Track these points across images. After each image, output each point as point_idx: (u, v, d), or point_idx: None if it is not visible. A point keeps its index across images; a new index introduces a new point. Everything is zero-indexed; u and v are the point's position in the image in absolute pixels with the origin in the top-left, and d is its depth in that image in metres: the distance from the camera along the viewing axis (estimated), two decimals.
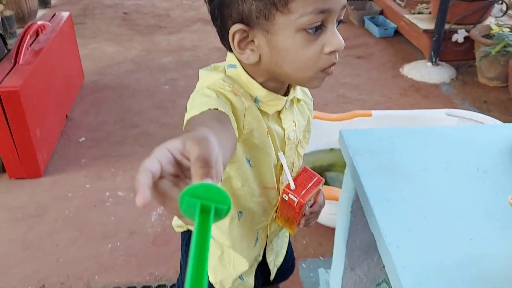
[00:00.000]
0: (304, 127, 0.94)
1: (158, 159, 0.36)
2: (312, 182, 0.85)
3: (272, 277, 1.05)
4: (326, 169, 2.28)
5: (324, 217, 1.86)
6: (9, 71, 2.21)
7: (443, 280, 0.80)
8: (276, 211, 0.90)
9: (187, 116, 0.66)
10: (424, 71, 3.53)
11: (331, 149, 2.34)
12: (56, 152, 2.52)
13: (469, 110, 2.54)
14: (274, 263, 1.05)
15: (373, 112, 2.29)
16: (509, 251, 0.85)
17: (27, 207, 2.09)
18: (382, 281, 1.47)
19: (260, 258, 1.01)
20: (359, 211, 1.30)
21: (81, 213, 2.06)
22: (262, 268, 1.01)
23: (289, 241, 1.15)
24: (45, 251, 1.84)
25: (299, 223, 0.90)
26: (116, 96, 3.19)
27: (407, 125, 2.24)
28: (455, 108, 2.71)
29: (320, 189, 0.89)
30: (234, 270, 0.93)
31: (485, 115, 2.25)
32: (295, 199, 0.82)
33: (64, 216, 2.04)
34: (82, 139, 2.66)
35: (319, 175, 0.88)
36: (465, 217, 0.94)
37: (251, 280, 0.98)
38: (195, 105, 0.67)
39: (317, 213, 0.94)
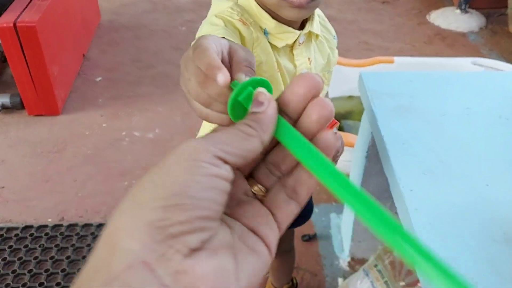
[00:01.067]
0: (322, 66, 0.90)
1: (218, 45, 0.30)
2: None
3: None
4: (344, 116, 2.26)
5: (340, 164, 1.86)
6: (26, 7, 2.19)
7: (454, 223, 0.80)
8: None
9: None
10: (452, 19, 3.37)
11: (350, 97, 2.30)
12: (74, 91, 2.53)
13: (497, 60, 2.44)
14: None
15: (396, 58, 2.22)
16: None
17: (46, 142, 2.14)
18: None
19: None
20: (374, 156, 1.29)
21: (98, 150, 2.10)
22: None
23: None
24: (65, 185, 1.89)
25: None
26: (132, 36, 3.15)
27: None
28: (483, 58, 2.61)
29: (335, 132, 0.86)
30: None
31: None
32: None
33: (82, 152, 2.08)
34: (99, 78, 2.66)
35: (333, 118, 0.85)
36: (483, 163, 0.93)
37: None
38: (203, 33, 0.66)
39: (335, 158, 0.91)
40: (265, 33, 0.76)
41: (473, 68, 2.12)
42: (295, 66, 0.82)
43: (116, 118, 2.32)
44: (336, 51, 0.98)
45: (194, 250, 0.21)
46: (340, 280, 1.48)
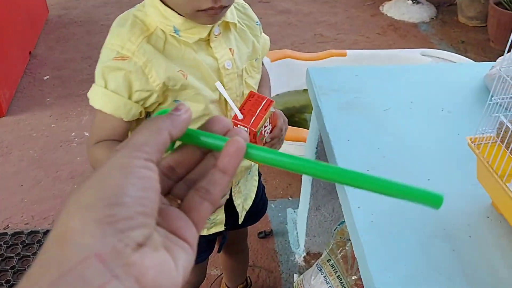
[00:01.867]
0: (248, 54, 0.85)
1: None
2: (261, 107, 0.77)
3: (240, 220, 1.03)
4: (299, 110, 2.25)
5: None
6: None
7: (396, 221, 0.80)
8: None
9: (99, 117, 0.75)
10: (404, 10, 3.43)
11: (305, 90, 2.29)
12: (19, 91, 2.41)
13: (446, 50, 2.49)
14: (243, 206, 1.01)
15: (348, 51, 2.23)
16: (464, 192, 0.85)
17: None
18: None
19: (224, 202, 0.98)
20: (323, 152, 1.28)
21: (46, 153, 2.01)
22: (229, 211, 0.98)
23: (260, 183, 1.11)
24: (10, 191, 1.80)
25: None
26: (83, 32, 3.03)
27: (380, 65, 2.21)
28: (433, 48, 2.66)
29: (273, 112, 0.81)
30: None
31: (460, 55, 2.22)
32: (245, 129, 0.76)
33: (28, 156, 1.98)
34: (47, 77, 2.54)
35: (268, 97, 0.80)
36: (425, 157, 0.93)
37: (221, 215, 0.95)
38: (103, 101, 0.73)
39: (280, 137, 0.87)
40: (176, 31, 0.73)
41: (422, 59, 2.15)
42: (215, 59, 0.78)
43: (65, 118, 2.23)
44: (264, 37, 0.93)
45: (139, 245, 0.23)
46: (295, 276, 1.48)
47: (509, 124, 0.74)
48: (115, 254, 0.22)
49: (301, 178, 1.53)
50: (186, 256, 0.26)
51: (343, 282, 1.24)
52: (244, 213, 1.04)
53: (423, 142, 0.97)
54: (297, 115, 2.21)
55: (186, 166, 0.31)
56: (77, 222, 0.23)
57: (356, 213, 0.81)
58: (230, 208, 0.99)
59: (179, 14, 0.73)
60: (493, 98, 0.73)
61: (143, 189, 0.24)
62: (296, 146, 1.66)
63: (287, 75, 2.17)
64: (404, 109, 1.08)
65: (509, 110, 0.77)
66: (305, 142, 1.53)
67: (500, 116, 0.76)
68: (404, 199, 0.29)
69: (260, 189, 1.12)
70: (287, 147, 1.78)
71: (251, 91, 0.80)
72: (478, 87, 1.17)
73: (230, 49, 0.79)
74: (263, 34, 0.93)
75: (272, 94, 2.27)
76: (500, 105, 0.76)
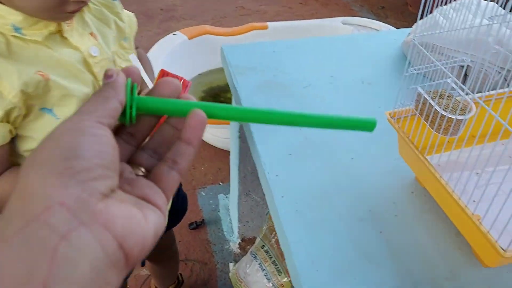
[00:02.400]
0: (114, 35, 0.76)
1: None
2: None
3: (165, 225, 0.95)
4: (224, 89, 2.17)
5: (221, 142, 1.79)
6: None
7: (321, 207, 0.76)
8: None
9: None
10: None
11: None
12: None
13: (367, 17, 2.51)
14: None
15: (269, 24, 2.17)
16: (388, 168, 0.82)
17: None
18: None
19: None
20: (246, 137, 1.22)
21: None
22: None
23: None
24: None
25: None
26: None
27: (302, 37, 2.17)
28: (354, 15, 2.67)
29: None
30: None
31: (381, 21, 2.23)
32: None
33: None
34: None
35: (183, 77, 0.72)
36: (347, 135, 0.90)
37: None
38: None
39: None
40: (16, 29, 0.62)
41: (344, 28, 2.14)
42: (77, 49, 0.68)
43: None
44: (126, 13, 0.84)
45: (105, 196, 0.23)
46: (231, 265, 1.43)
47: (427, 96, 0.71)
48: (80, 202, 0.22)
49: (227, 166, 1.47)
50: (156, 216, 0.26)
51: (278, 267, 1.21)
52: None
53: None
54: (222, 95, 2.13)
55: (144, 132, 0.32)
56: (35, 176, 0.23)
57: (280, 203, 0.76)
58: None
59: (17, 10, 0.61)
60: (409, 69, 0.70)
61: (98, 144, 0.25)
62: (220, 130, 1.59)
63: (208, 52, 2.08)
64: (325, 84, 1.04)
65: (430, 79, 0.75)
66: (229, 124, 1.47)
67: (418, 87, 0.73)
68: (342, 129, 0.33)
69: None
70: (212, 130, 1.71)
71: (162, 69, 0.72)
72: (396, 55, 1.15)
73: (91, 33, 0.69)
74: (125, 10, 0.83)
75: (194, 74, 2.18)
76: (423, 75, 0.73)
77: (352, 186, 0.79)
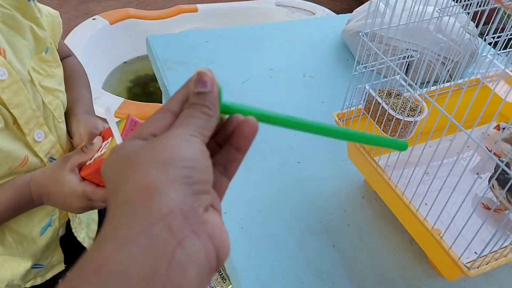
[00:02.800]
0: (30, 48, 0.60)
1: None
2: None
3: None
4: (153, 78, 2.03)
5: None
6: None
7: (269, 222, 0.69)
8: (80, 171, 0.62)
9: None
10: None
11: None
12: None
13: None
14: (88, 236, 0.79)
15: (199, 6, 2.05)
16: (337, 171, 0.77)
17: None
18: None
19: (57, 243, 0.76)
20: None
21: None
22: (69, 246, 0.76)
23: None
24: None
25: None
26: None
27: (235, 20, 2.08)
28: None
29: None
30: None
31: (315, 3, 2.19)
32: None
33: None
34: None
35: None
36: (291, 135, 0.83)
37: (57, 255, 0.72)
38: None
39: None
40: None
41: (278, 10, 2.08)
42: None
43: None
44: (49, 13, 0.67)
45: (207, 208, 0.25)
46: None
47: (378, 98, 0.66)
48: (193, 211, 0.24)
49: None
50: (220, 219, 0.27)
51: (222, 273, 1.14)
52: (91, 241, 0.82)
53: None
54: (151, 84, 2.00)
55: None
56: (160, 176, 0.24)
57: (224, 220, 0.68)
58: (69, 242, 0.77)
59: None
60: (358, 68, 0.64)
61: (207, 159, 0.26)
62: None
63: (133, 38, 1.92)
64: (264, 78, 0.96)
65: (381, 75, 0.70)
66: None
67: (366, 86, 0.68)
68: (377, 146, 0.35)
69: None
70: None
71: (130, 116, 0.57)
72: (337, 44, 1.10)
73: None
74: (45, 8, 0.67)
75: (119, 62, 2.01)
76: (374, 71, 0.68)
77: (301, 194, 0.73)
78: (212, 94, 0.28)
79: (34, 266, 0.68)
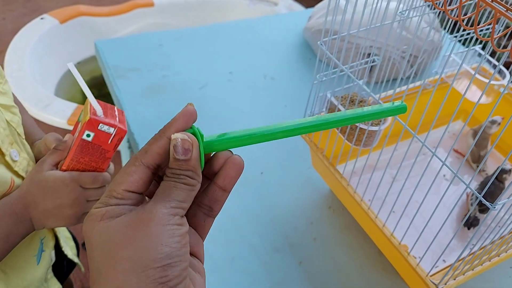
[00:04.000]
0: None
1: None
2: (116, 110, 0.55)
3: (83, 268, 0.79)
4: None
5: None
6: None
7: (231, 240, 0.67)
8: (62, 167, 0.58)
9: None
10: None
11: None
12: None
13: None
14: (72, 251, 0.76)
15: (155, 0, 1.99)
16: (302, 181, 0.76)
17: None
18: None
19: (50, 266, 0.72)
20: None
21: None
22: (58, 267, 0.72)
23: None
24: None
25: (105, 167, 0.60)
26: None
27: (194, 14, 2.03)
28: None
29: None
30: None
31: None
32: (111, 129, 0.53)
33: None
34: None
35: (115, 107, 0.58)
36: (253, 148, 0.81)
37: (54, 285, 0.70)
38: None
39: (112, 171, 0.66)
40: None
41: (239, 2, 2.04)
42: None
43: None
44: None
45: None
46: None
47: (340, 106, 0.65)
48: None
49: None
50: (201, 280, 0.30)
51: None
52: (76, 258, 0.79)
53: (248, 122, 0.85)
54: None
55: None
56: (134, 280, 0.26)
57: None
58: (59, 264, 0.75)
59: None
60: (317, 76, 0.62)
61: (183, 245, 0.27)
62: None
63: (86, 37, 1.85)
64: (223, 83, 0.94)
65: (346, 77, 0.68)
66: None
67: (328, 94, 0.67)
68: (375, 118, 0.34)
69: None
70: None
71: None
72: (299, 42, 1.09)
73: None
74: None
75: (66, 69, 1.93)
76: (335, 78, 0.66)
77: (264, 208, 0.72)
78: (194, 160, 0.28)
79: None
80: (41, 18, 1.79)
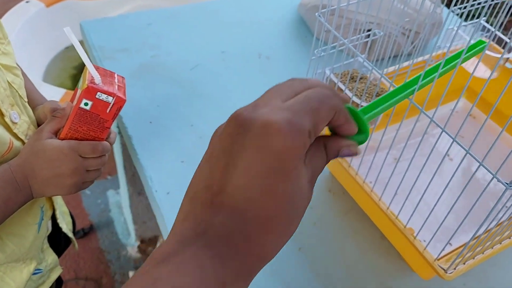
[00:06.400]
0: None
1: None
2: (116, 78, 0.53)
3: (77, 246, 0.78)
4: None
5: None
6: None
7: None
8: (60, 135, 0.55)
9: None
10: None
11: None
12: None
13: None
14: (68, 228, 0.75)
15: None
16: None
17: None
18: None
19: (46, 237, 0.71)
20: None
21: None
22: (55, 243, 0.71)
23: None
24: None
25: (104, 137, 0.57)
26: None
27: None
28: None
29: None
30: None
31: None
32: (109, 98, 0.50)
33: None
34: None
35: (114, 73, 0.55)
36: None
37: (50, 256, 0.70)
38: None
39: (113, 140, 0.62)
40: None
41: None
42: None
43: None
44: None
45: None
46: (131, 273, 1.29)
47: (340, 84, 0.61)
48: None
49: (113, 156, 1.29)
50: None
51: None
52: (71, 234, 0.78)
53: (243, 103, 0.81)
54: None
55: None
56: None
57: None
58: (55, 238, 0.73)
59: None
60: (315, 51, 0.59)
61: None
62: None
63: (74, 20, 1.78)
64: (216, 62, 0.90)
65: (344, 53, 0.65)
66: None
67: (327, 71, 0.63)
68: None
69: None
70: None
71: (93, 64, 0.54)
72: (294, 20, 1.04)
73: None
74: None
75: (59, 48, 1.89)
76: (335, 53, 0.63)
77: None
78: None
79: (35, 272, 0.65)
80: (26, 2, 1.73)
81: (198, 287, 0.22)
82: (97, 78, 0.50)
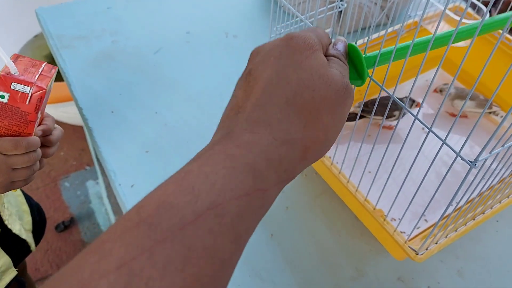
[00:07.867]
0: None
1: None
2: (42, 68, 0.51)
3: (33, 247, 0.74)
4: None
5: (76, 118, 1.54)
6: None
7: None
8: None
9: None
10: None
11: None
12: None
13: None
14: (24, 228, 0.72)
15: None
16: None
17: None
18: None
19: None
20: None
21: None
22: (8, 245, 0.68)
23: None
24: None
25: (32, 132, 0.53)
26: None
27: None
28: None
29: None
30: None
31: None
32: (26, 88, 0.48)
33: None
34: None
35: (43, 63, 0.52)
36: (216, 110, 0.75)
37: (3, 258, 0.67)
38: None
39: (56, 137, 0.57)
40: None
41: None
42: None
43: None
44: None
45: None
46: None
47: None
48: None
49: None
50: None
51: None
52: (31, 235, 0.75)
53: (212, 90, 0.78)
54: None
55: None
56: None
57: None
58: (7, 240, 0.69)
59: None
60: (273, 29, 0.55)
61: None
62: (70, 107, 1.34)
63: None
64: (180, 44, 0.86)
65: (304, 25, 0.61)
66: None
67: None
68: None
69: (26, 195, 0.82)
70: (61, 108, 1.45)
71: (15, 54, 0.52)
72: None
73: None
74: None
75: (28, 37, 1.82)
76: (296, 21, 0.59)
77: None
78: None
79: None
80: None
81: (228, 172, 0.23)
82: (13, 68, 0.47)
